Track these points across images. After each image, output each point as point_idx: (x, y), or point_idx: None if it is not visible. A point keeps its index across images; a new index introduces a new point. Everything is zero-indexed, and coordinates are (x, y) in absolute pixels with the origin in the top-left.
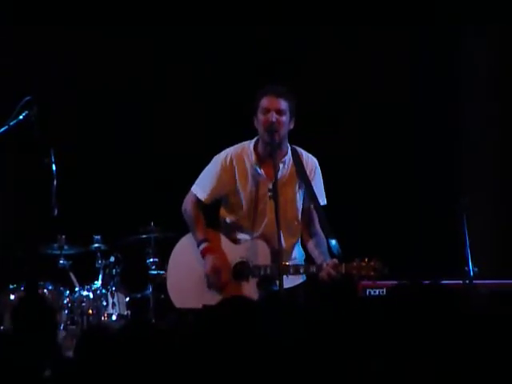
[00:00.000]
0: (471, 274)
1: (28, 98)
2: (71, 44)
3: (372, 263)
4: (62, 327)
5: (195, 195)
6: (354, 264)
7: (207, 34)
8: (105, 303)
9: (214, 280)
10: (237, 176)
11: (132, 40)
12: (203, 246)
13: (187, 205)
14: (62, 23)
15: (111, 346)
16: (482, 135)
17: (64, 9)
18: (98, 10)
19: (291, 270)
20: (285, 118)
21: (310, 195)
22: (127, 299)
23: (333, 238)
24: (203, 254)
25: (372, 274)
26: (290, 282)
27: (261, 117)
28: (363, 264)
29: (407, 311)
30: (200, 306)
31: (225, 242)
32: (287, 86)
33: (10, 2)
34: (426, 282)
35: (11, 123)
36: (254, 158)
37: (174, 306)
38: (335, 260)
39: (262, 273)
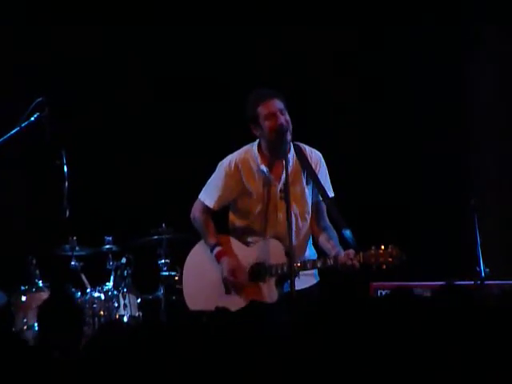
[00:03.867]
0: (483, 274)
1: (39, 99)
2: (83, 44)
3: (389, 250)
4: None
5: (203, 203)
6: (372, 252)
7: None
8: (116, 304)
9: (233, 280)
10: (244, 180)
11: (143, 41)
12: (217, 249)
13: (195, 212)
14: (74, 23)
15: (124, 345)
16: (492, 135)
17: (77, 8)
18: (110, 10)
19: (308, 265)
20: (287, 116)
21: (319, 189)
22: (139, 300)
23: (346, 229)
24: (218, 257)
25: (390, 260)
26: (303, 283)
27: (267, 123)
28: (380, 251)
29: (418, 312)
30: None
31: (237, 245)
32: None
33: (23, 2)
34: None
35: (23, 125)
36: (260, 159)
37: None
38: (352, 250)
39: (278, 271)
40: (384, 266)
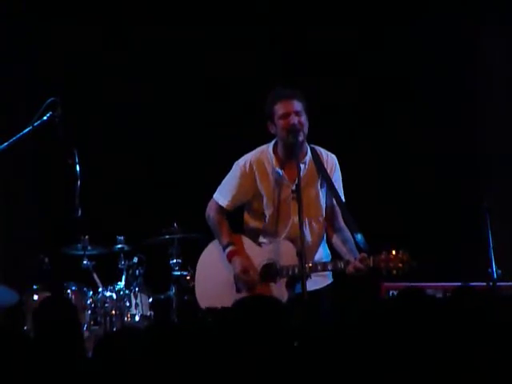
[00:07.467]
0: (495, 276)
1: (52, 98)
2: (96, 44)
3: (400, 255)
4: (85, 328)
5: (217, 202)
6: (382, 257)
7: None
8: (128, 304)
9: (245, 280)
10: (258, 181)
11: (154, 41)
12: (229, 249)
13: (210, 211)
14: (85, 23)
15: (134, 347)
16: (505, 136)
17: (88, 8)
18: (124, 11)
19: (319, 267)
20: (303, 118)
21: (333, 192)
22: (150, 300)
23: (358, 233)
24: (230, 257)
25: (400, 265)
26: (315, 284)
27: (281, 122)
28: (391, 256)
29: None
30: None
31: (250, 245)
32: (294, 86)
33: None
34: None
35: (35, 124)
36: (274, 161)
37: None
38: (364, 254)
39: (289, 273)
40: (394, 272)
